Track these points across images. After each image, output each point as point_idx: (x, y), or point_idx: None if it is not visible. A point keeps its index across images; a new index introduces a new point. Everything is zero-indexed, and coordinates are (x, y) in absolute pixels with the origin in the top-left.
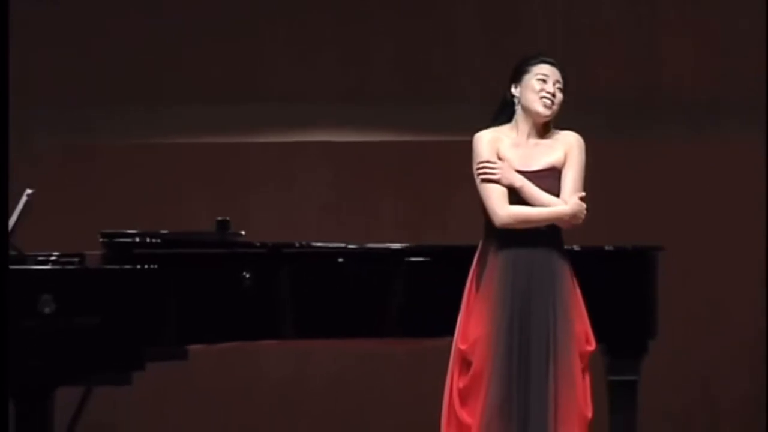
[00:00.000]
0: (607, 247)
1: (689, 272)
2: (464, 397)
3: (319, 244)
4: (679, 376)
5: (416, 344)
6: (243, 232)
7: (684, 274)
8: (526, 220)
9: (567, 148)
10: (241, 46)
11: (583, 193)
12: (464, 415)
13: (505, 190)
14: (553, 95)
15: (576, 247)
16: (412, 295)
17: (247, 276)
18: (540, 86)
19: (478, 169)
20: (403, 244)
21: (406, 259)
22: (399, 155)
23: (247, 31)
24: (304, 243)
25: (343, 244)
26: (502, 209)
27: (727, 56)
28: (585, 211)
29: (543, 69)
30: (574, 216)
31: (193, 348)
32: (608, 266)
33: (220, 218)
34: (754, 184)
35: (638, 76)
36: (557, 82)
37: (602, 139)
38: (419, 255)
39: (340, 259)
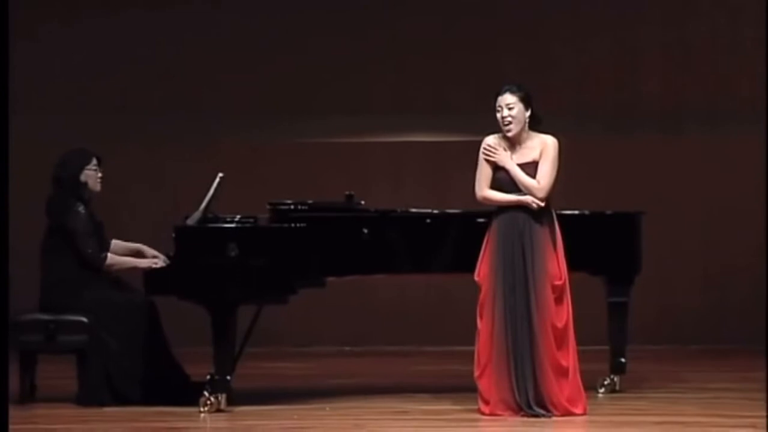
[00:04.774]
0: (607, 212)
1: (663, 230)
2: (480, 313)
3: (413, 209)
4: (651, 299)
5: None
6: (363, 201)
7: (658, 231)
8: (491, 201)
9: (543, 148)
10: (361, 74)
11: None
12: (480, 324)
13: (489, 176)
14: (506, 117)
15: (586, 212)
16: (479, 243)
17: (366, 231)
18: (499, 115)
19: (485, 150)
20: (470, 210)
21: (473, 220)
22: (470, 151)
23: (363, 65)
24: (403, 209)
25: (429, 210)
26: (480, 189)
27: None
28: (545, 193)
29: (498, 101)
30: (537, 191)
31: (329, 279)
32: (608, 224)
33: (347, 192)
34: (712, 173)
35: (625, 92)
36: (507, 105)
37: (603, 138)
38: (482, 217)
39: (428, 220)
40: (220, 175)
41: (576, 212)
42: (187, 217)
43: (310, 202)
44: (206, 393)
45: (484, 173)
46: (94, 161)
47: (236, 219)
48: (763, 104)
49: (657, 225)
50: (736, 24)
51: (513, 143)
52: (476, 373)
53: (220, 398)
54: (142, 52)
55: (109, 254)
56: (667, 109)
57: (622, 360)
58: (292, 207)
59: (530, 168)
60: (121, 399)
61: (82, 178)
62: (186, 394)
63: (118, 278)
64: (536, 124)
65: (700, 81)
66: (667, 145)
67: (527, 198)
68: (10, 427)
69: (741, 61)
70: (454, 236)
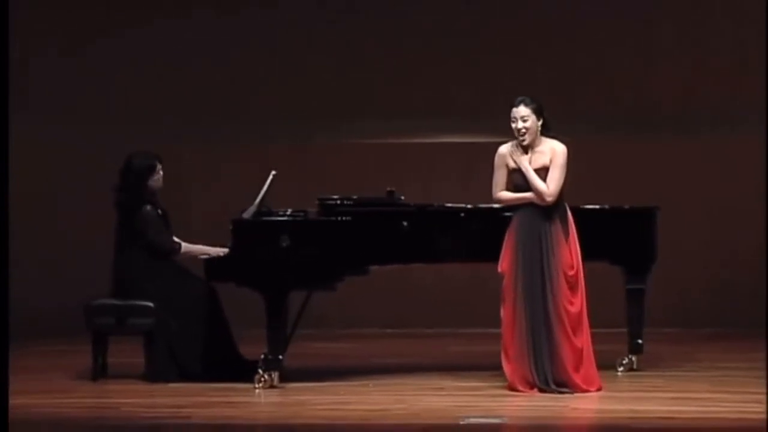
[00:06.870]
0: (626, 206)
1: (675, 224)
2: (503, 301)
3: (449, 204)
4: (666, 286)
5: None
6: (403, 197)
7: (670, 225)
8: (504, 201)
9: (553, 155)
10: (401, 81)
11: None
12: (503, 311)
13: (503, 180)
14: (521, 129)
15: (606, 206)
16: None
17: (405, 224)
18: (514, 126)
19: (512, 155)
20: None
21: (501, 214)
22: None
23: (403, 72)
24: (440, 204)
25: (464, 205)
26: (495, 193)
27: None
28: (553, 197)
29: (513, 113)
30: (546, 196)
31: (372, 268)
32: (626, 218)
33: (388, 188)
34: (715, 174)
35: (638, 94)
36: (521, 117)
37: (603, 138)
38: (509, 212)
39: (462, 214)
40: (273, 172)
41: (597, 207)
42: (243, 211)
43: (355, 197)
44: (260, 371)
45: (497, 178)
46: (158, 166)
47: (288, 213)
48: (763, 105)
49: (672, 220)
50: (739, 27)
51: (526, 148)
52: (503, 354)
53: (273, 375)
54: (188, 59)
55: (183, 243)
56: (675, 111)
57: (640, 341)
58: (339, 202)
59: (541, 173)
60: (184, 376)
61: (150, 183)
62: (242, 372)
63: (183, 267)
64: (547, 131)
65: (705, 82)
66: (670, 146)
67: (532, 194)
68: (86, 401)
69: (742, 62)
70: (484, 229)
